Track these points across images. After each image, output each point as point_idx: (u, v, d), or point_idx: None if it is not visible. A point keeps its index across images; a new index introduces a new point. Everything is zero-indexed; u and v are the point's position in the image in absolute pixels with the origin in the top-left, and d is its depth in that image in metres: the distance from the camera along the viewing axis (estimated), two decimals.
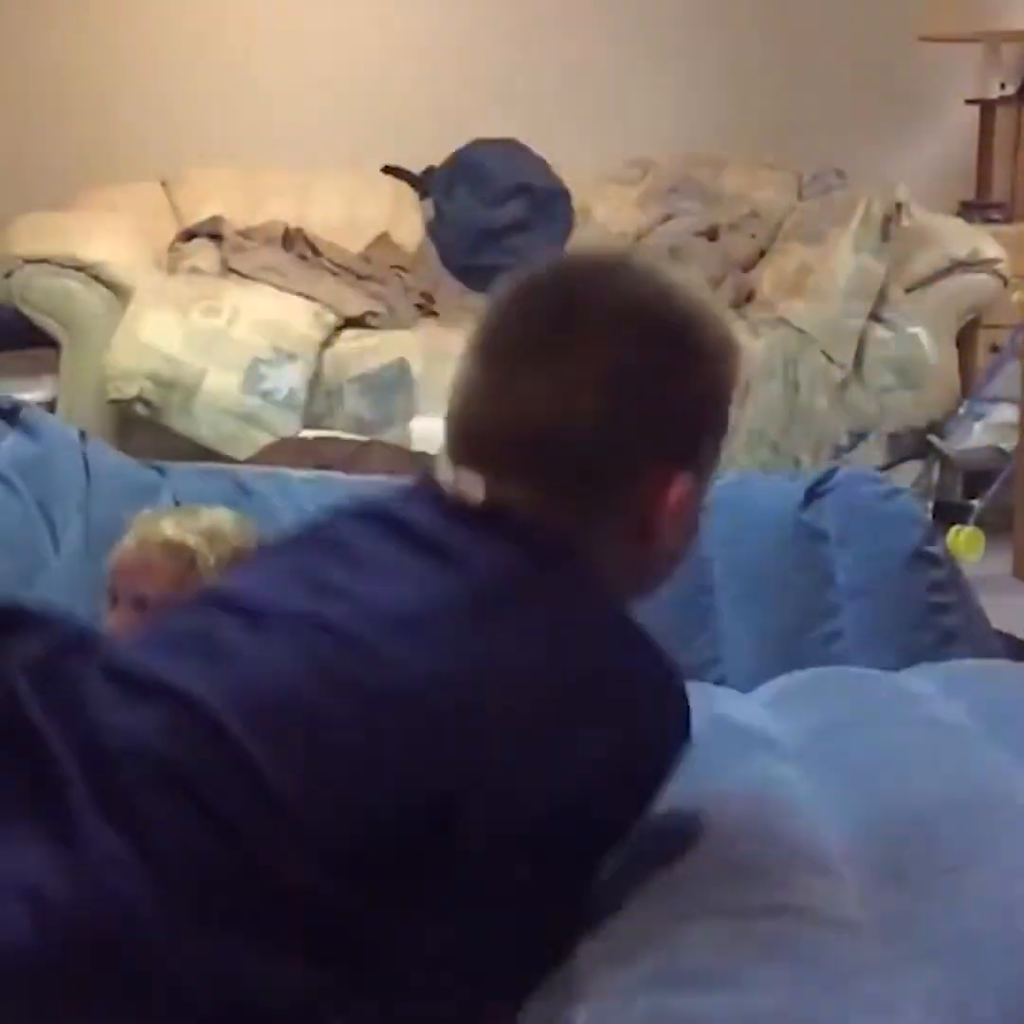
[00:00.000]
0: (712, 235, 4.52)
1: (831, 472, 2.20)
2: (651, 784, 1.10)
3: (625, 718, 1.08)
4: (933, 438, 4.02)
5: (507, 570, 1.10)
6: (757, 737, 1.51)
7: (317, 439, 3.42)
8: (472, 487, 1.14)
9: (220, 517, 2.12)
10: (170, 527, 2.05)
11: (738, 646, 2.06)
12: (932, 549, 2.10)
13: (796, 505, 2.12)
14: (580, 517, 1.14)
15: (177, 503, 2.20)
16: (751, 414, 3.85)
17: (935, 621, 2.04)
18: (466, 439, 1.18)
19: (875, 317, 4.03)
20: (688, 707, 1.11)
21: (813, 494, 2.14)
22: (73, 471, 2.23)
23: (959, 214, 4.56)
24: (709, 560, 2.06)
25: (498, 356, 1.18)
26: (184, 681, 1.03)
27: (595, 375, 1.14)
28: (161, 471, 2.30)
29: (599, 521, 1.15)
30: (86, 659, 1.08)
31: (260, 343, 3.82)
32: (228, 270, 4.13)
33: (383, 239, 4.63)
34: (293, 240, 4.40)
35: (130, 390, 3.76)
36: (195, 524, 2.07)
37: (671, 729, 1.11)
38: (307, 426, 3.77)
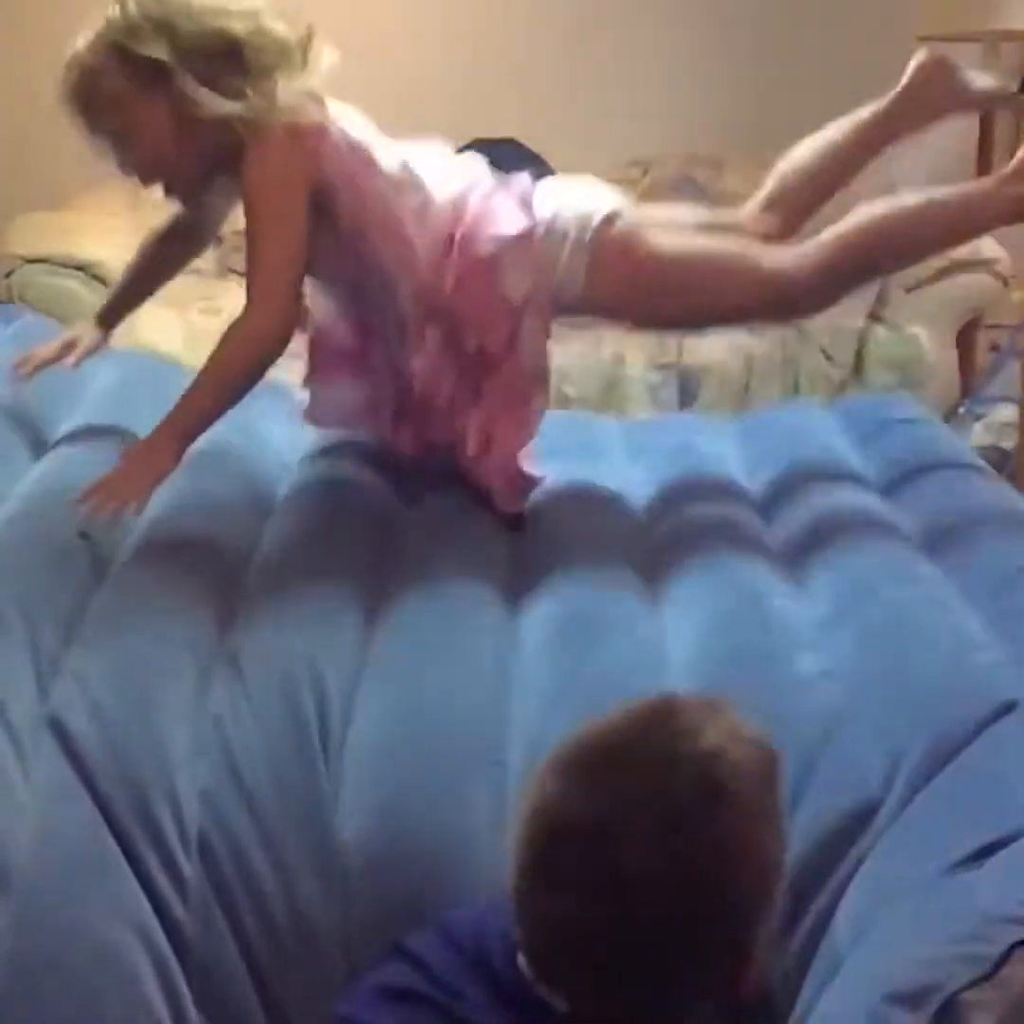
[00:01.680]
0: None
1: None
2: None
3: None
4: None
5: None
6: None
7: None
8: (556, 1001, 1.22)
9: None
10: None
11: None
12: None
13: None
14: (665, 1014, 1.21)
15: None
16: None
17: None
18: (539, 964, 1.23)
19: (875, 317, 4.02)
20: None
21: None
22: None
23: None
24: None
25: (544, 889, 1.21)
26: None
27: (643, 927, 1.17)
28: None
29: (684, 1009, 1.22)
30: None
31: None
32: (228, 270, 4.13)
33: None
34: None
35: None
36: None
37: None
38: None
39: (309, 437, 2.28)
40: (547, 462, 2.14)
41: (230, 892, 1.47)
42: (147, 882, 1.45)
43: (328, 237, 1.92)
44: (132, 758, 1.51)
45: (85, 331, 2.18)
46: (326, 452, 2.20)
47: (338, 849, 1.49)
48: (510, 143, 4.64)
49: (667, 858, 1.16)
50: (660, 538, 1.98)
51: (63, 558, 1.80)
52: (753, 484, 2.18)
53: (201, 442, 1.97)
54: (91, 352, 2.17)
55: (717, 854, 1.17)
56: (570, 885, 1.18)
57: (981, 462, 2.25)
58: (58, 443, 2.15)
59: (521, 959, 1.24)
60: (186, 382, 1.92)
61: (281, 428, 2.30)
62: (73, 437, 2.16)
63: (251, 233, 1.92)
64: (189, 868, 1.47)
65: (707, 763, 1.18)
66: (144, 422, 2.15)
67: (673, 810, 1.17)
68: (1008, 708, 1.45)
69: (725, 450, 2.33)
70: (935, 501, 2.01)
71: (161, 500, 1.95)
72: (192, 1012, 1.43)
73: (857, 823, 1.41)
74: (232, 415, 1.91)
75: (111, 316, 2.23)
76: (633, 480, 2.20)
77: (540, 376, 2.02)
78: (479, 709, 1.61)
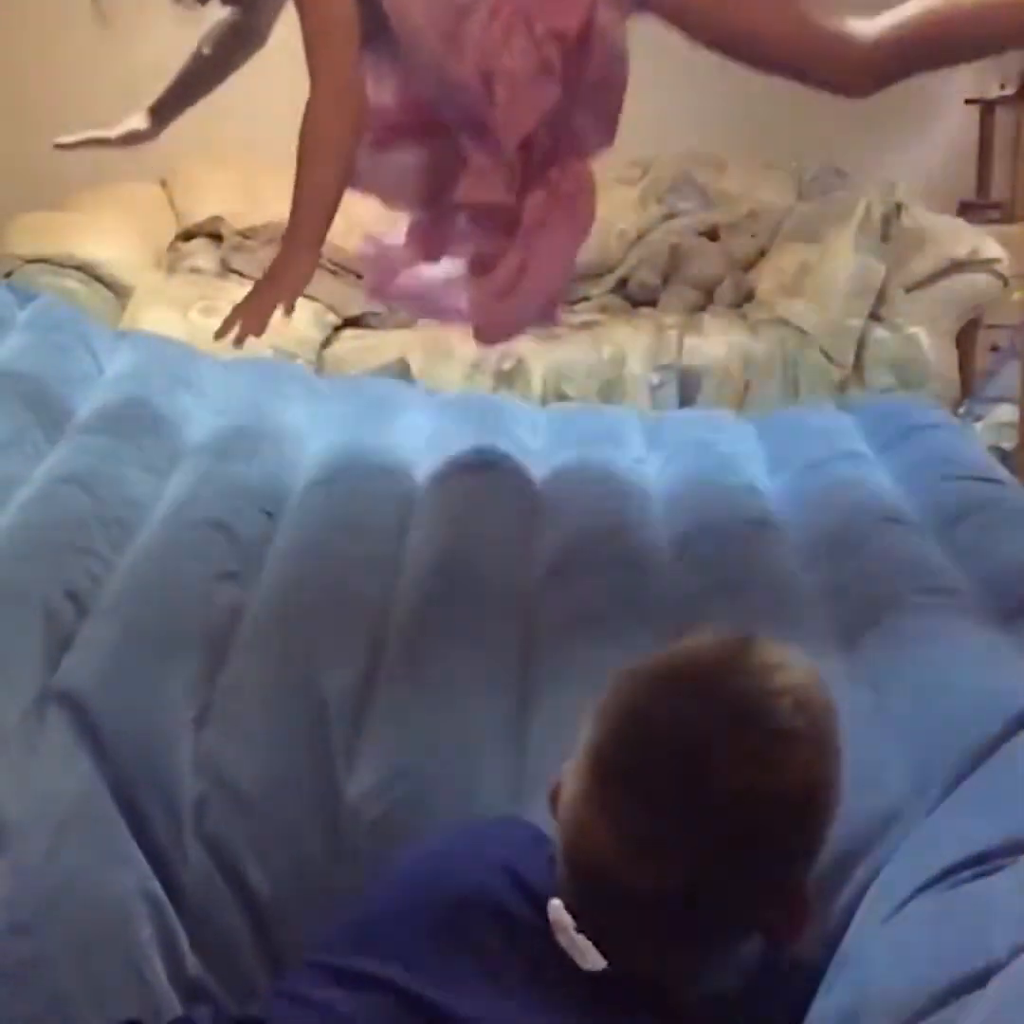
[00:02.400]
0: (712, 235, 4.52)
1: None
2: None
3: None
4: None
5: None
6: None
7: None
8: (593, 959, 1.18)
9: None
10: None
11: None
12: None
13: None
14: (709, 961, 1.22)
15: None
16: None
17: None
18: (589, 902, 1.20)
19: (875, 317, 4.02)
20: None
21: None
22: None
23: (959, 214, 4.56)
24: None
25: (615, 816, 1.19)
26: None
27: (722, 848, 1.16)
28: None
29: (734, 949, 1.23)
30: None
31: (260, 343, 3.81)
32: (228, 270, 4.12)
33: None
34: None
35: None
36: None
37: None
38: None
39: (322, 416, 2.30)
40: (565, 451, 2.16)
41: (232, 846, 1.47)
42: (147, 837, 1.45)
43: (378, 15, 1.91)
44: (136, 720, 1.53)
45: (137, 122, 2.19)
46: (343, 439, 2.23)
47: (346, 805, 1.50)
48: None
49: (761, 771, 1.17)
50: (679, 544, 1.99)
51: (82, 539, 1.82)
52: (774, 489, 2.19)
53: (218, 425, 1.98)
54: (139, 140, 2.18)
55: (804, 777, 1.19)
56: (659, 790, 1.17)
57: (1004, 473, 2.23)
58: (76, 428, 2.15)
59: (554, 908, 1.21)
60: (202, 364, 1.92)
61: (294, 409, 2.33)
62: (91, 423, 2.16)
63: (301, 17, 1.89)
64: (191, 822, 1.48)
65: (803, 693, 1.20)
66: (161, 404, 2.16)
67: (775, 730, 1.18)
68: None
69: (745, 451, 2.34)
70: (961, 516, 2.00)
71: (182, 482, 1.98)
72: (188, 957, 1.42)
73: (878, 826, 1.40)
74: (250, 397, 1.92)
75: (163, 110, 2.23)
76: (651, 475, 2.22)
77: (622, 75, 2.05)
78: (500, 690, 1.63)
